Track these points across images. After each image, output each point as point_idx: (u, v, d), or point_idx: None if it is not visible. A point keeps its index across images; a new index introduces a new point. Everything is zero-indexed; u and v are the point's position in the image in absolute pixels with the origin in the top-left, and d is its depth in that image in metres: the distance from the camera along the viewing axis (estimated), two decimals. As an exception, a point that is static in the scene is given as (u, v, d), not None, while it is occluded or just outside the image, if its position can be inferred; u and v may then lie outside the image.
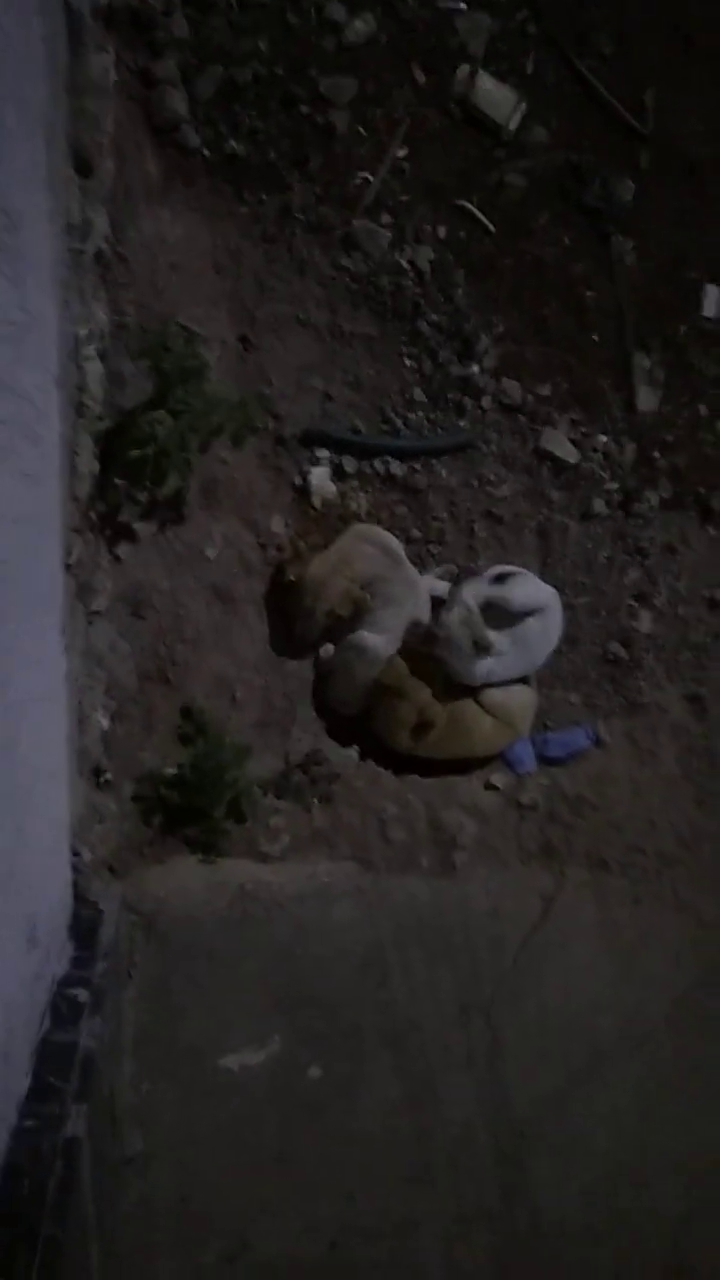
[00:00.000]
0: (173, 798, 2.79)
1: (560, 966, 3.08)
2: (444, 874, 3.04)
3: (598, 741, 3.23)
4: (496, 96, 3.14)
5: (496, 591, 3.02)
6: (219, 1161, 2.66)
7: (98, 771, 2.78)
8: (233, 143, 2.98)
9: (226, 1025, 2.75)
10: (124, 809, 2.78)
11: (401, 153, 3.09)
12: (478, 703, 3.11)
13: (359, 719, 3.12)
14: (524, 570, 3.14)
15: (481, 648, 2.96)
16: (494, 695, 3.12)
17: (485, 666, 3.04)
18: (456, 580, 3.07)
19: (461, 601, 2.98)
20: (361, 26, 3.05)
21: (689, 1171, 3.06)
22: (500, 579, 3.08)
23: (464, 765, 3.15)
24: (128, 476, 2.82)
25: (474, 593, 3.01)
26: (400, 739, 3.06)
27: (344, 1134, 2.82)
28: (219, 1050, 2.75)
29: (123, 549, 2.85)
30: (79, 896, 2.51)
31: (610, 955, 3.15)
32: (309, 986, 2.85)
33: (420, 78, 3.10)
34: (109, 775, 2.78)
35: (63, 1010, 2.11)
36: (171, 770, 2.81)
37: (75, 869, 2.55)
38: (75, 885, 2.52)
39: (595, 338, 3.26)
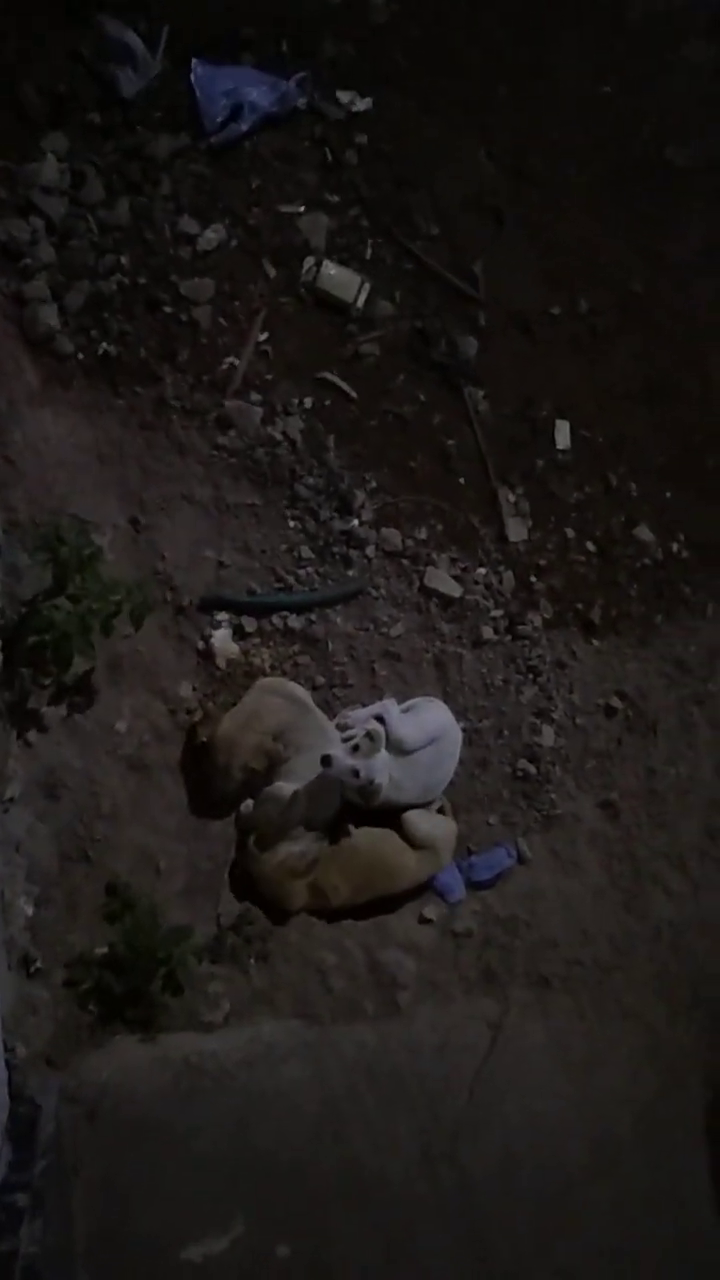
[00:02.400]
0: (106, 979, 2.76)
1: (518, 1094, 3.04)
2: (389, 1016, 3.03)
3: (520, 859, 3.29)
4: (341, 280, 3.46)
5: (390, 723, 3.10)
6: None
7: (26, 961, 2.75)
8: (105, 345, 3.23)
9: (184, 1212, 2.65)
10: (57, 996, 2.74)
11: (263, 337, 3.37)
12: (404, 838, 3.14)
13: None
14: (430, 699, 3.25)
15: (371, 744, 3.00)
16: (421, 828, 3.14)
17: (380, 775, 3.06)
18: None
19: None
20: (213, 235, 3.37)
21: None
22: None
23: (394, 898, 3.15)
24: (32, 664, 2.91)
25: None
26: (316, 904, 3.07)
27: (324, 1315, 2.71)
28: (179, 1242, 2.64)
29: (32, 734, 2.91)
30: (15, 1094, 2.44)
31: (566, 1075, 3.13)
32: (266, 1156, 2.77)
33: (271, 271, 3.42)
34: (39, 963, 2.75)
35: (1, 1219, 2.04)
36: (102, 950, 2.79)
37: (9, 1066, 2.50)
38: (10, 1083, 2.46)
39: (461, 480, 3.51)
